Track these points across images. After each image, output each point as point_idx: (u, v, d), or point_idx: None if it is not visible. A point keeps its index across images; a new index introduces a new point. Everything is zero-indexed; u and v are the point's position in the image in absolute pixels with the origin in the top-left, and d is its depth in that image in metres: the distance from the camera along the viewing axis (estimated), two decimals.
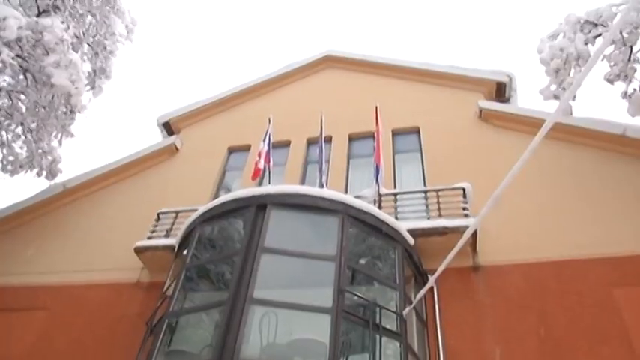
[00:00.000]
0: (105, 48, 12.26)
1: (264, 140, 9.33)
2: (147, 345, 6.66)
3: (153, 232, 9.04)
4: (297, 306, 6.00)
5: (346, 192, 9.17)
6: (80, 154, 36.27)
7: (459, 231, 6.94)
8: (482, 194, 7.67)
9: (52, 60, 9.64)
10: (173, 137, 12.07)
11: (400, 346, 6.13)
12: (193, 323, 6.88)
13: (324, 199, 6.85)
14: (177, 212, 9.15)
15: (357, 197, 7.54)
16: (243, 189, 7.78)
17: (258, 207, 6.83)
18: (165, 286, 7.48)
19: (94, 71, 12.22)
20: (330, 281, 6.07)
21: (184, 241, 7.60)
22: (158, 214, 9.36)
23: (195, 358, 6.16)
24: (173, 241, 8.18)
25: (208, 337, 6.14)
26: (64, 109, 10.81)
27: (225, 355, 5.51)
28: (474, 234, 7.45)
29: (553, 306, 7.08)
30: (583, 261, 7.45)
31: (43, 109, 10.71)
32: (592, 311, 6.94)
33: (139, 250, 8.68)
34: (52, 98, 10.57)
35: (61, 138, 11.12)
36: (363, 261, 7.19)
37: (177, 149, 11.73)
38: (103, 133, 44.22)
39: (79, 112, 10.89)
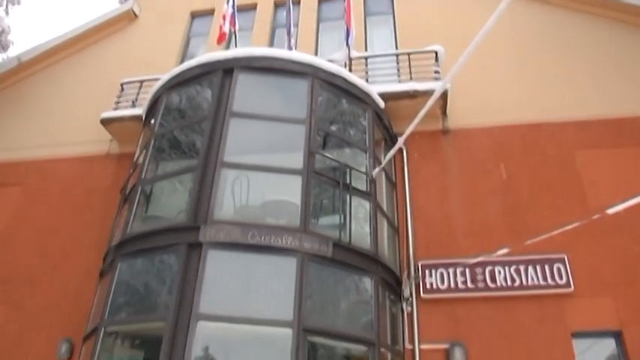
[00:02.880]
0: None
1: (228, 2, 8.73)
2: (123, 212, 6.78)
3: (118, 102, 8.79)
4: (268, 168, 6.07)
5: (316, 56, 8.88)
6: (33, 25, 33.90)
7: (429, 94, 6.85)
8: (455, 58, 7.47)
9: None
10: (130, 2, 11.19)
11: (370, 205, 6.36)
12: (168, 192, 6.96)
13: (292, 61, 6.62)
14: (141, 81, 8.83)
15: (328, 61, 7.31)
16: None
17: (224, 71, 6.60)
18: (136, 156, 7.44)
19: None
20: (301, 144, 6.10)
21: (151, 110, 7.42)
22: (122, 84, 9.03)
23: (171, 222, 6.28)
24: (140, 110, 7.98)
25: (183, 204, 6.23)
26: None
27: (199, 218, 5.65)
28: (445, 97, 7.45)
29: (517, 167, 7.38)
30: (549, 124, 7.66)
31: None
32: (554, 172, 7.27)
33: (105, 122, 8.50)
34: None
35: (6, 6, 10.28)
36: (333, 127, 7.19)
37: (135, 15, 10.96)
38: (54, 2, 41.04)
39: None
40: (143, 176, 6.64)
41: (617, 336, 6.21)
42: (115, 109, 8.68)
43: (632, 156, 7.20)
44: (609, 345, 6.28)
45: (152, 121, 7.15)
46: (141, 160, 6.99)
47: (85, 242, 7.74)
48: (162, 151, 7.14)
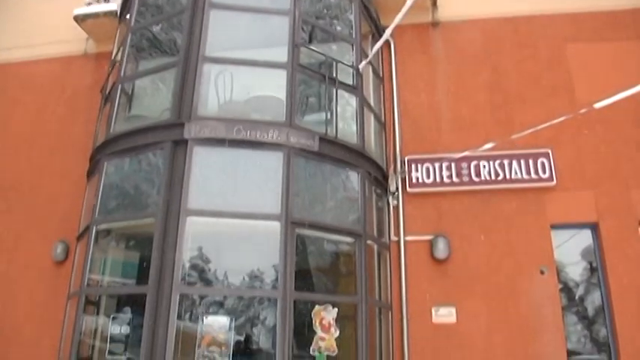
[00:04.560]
0: None
1: None
2: (105, 112, 6.64)
3: None
4: (252, 62, 5.88)
5: None
6: None
7: None
8: None
9: None
10: None
11: (356, 100, 6.27)
12: (151, 92, 6.79)
13: None
14: None
15: None
16: None
17: None
18: (114, 54, 7.15)
19: None
20: (285, 38, 5.88)
21: (126, 4, 7.02)
22: None
23: (155, 120, 6.16)
24: (114, 5, 7.55)
25: (166, 103, 6.07)
26: None
27: (183, 115, 5.55)
28: None
29: (507, 61, 7.25)
30: (541, 17, 7.44)
31: None
32: (544, 65, 7.16)
33: (79, 19, 8.02)
34: None
35: None
36: (319, 21, 6.90)
37: None
38: None
39: None
40: (122, 74, 6.43)
41: (594, 227, 6.46)
42: (89, 4, 8.14)
43: (624, 50, 7.08)
44: (586, 237, 6.54)
45: (128, 16, 6.80)
46: (119, 58, 6.72)
47: (71, 144, 7.63)
48: (142, 49, 6.87)
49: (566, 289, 6.49)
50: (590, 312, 6.39)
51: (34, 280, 7.01)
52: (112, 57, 7.13)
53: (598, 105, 4.98)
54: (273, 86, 5.81)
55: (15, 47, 8.76)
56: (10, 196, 7.60)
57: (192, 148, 5.36)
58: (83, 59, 8.34)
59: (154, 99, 6.72)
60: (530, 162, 6.59)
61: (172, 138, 5.46)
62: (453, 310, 6.19)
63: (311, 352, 5.16)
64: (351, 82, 6.34)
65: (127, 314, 5.60)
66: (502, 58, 7.23)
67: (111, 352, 5.35)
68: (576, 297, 6.51)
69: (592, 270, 6.48)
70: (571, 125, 6.04)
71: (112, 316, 5.56)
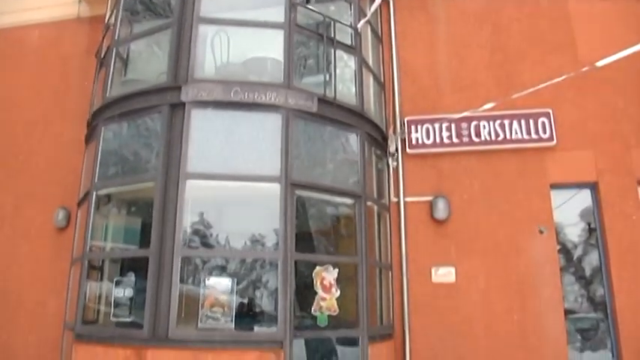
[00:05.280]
0: None
1: None
2: (100, 77, 6.55)
3: None
4: (248, 23, 5.76)
5: None
6: None
7: None
8: None
9: None
10: None
11: (355, 60, 6.17)
12: (147, 55, 6.67)
13: None
14: None
15: None
16: None
17: None
18: (107, 16, 7.01)
19: None
20: None
21: None
22: None
23: (151, 84, 6.08)
24: None
25: (162, 67, 5.97)
26: None
27: (180, 78, 5.48)
28: None
29: (508, 19, 7.11)
30: None
31: None
32: (545, 25, 7.01)
33: None
34: None
35: None
36: None
37: None
38: None
39: None
40: (116, 38, 6.31)
41: (593, 187, 6.46)
42: None
43: (628, 6, 6.92)
44: (586, 198, 6.54)
45: None
46: (112, 21, 6.59)
47: (67, 109, 7.56)
48: (136, 12, 6.72)
49: (565, 250, 6.54)
50: (588, 272, 6.46)
51: (37, 246, 7.06)
52: (106, 20, 6.98)
53: (600, 63, 4.87)
54: (271, 47, 5.71)
55: (5, 12, 8.57)
56: (9, 163, 7.58)
57: (189, 111, 5.31)
58: (76, 23, 8.16)
59: (149, 62, 6.63)
60: (531, 122, 6.54)
61: (169, 101, 5.40)
62: (452, 269, 6.25)
63: (312, 313, 5.23)
64: (349, 42, 6.24)
65: (130, 278, 5.65)
66: (503, 15, 7.08)
67: (115, 315, 5.43)
68: (574, 257, 6.57)
69: (590, 231, 6.51)
70: (573, 84, 5.94)
71: (115, 280, 5.62)
